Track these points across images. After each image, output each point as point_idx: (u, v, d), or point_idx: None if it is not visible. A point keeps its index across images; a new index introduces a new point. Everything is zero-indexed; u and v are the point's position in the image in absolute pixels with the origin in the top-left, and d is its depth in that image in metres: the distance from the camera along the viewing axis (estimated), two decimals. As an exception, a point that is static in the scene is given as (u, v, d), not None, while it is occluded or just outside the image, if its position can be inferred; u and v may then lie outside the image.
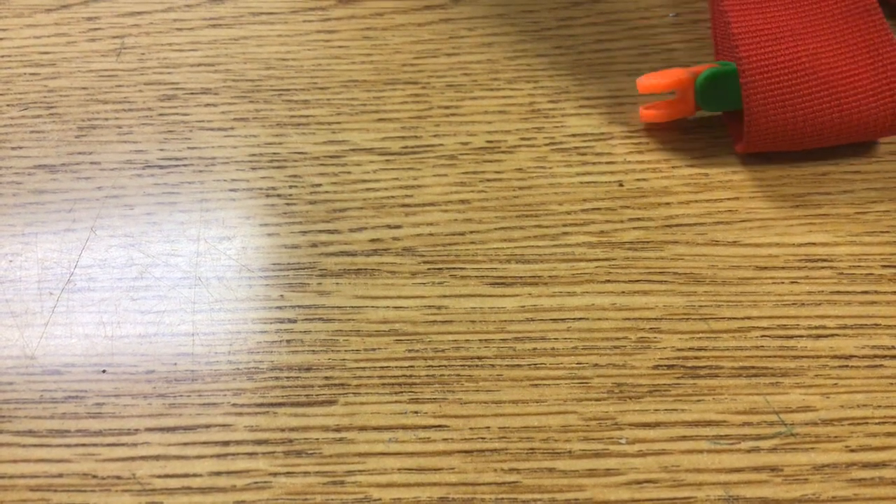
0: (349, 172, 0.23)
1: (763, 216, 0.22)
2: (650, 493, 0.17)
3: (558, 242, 0.21)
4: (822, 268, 0.21)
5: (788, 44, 0.22)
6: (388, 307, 0.20)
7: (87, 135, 0.24)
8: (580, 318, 0.20)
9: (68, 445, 0.18)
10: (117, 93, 0.25)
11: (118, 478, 0.17)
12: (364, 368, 0.19)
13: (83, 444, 0.18)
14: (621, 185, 0.23)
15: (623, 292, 0.20)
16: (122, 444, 0.18)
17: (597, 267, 0.21)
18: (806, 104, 0.21)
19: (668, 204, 0.22)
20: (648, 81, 0.23)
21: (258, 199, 0.22)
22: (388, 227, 0.22)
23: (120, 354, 0.19)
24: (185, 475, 0.18)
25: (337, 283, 0.21)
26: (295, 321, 0.20)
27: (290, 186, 0.23)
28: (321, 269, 0.21)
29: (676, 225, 0.22)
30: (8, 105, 0.25)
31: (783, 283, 0.21)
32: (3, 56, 0.26)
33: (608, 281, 0.21)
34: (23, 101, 0.25)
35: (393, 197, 0.22)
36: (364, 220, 0.22)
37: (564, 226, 0.22)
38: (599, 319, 0.20)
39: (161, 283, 0.21)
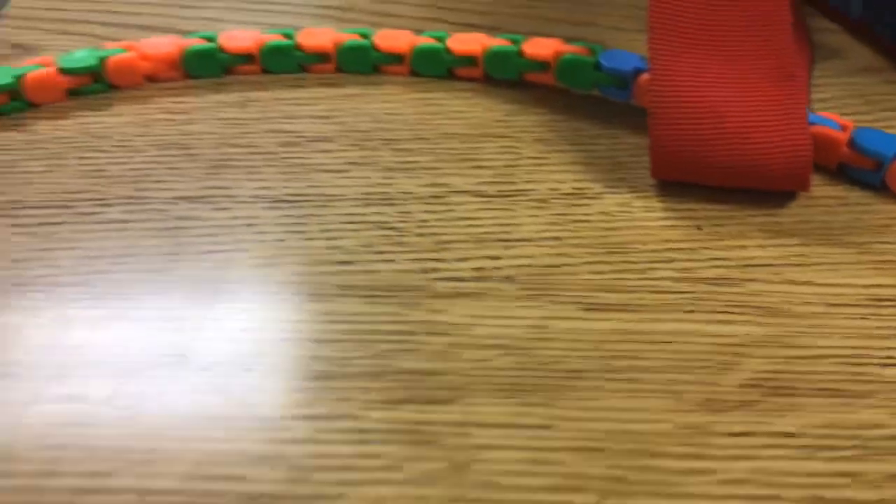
0: (452, 210, 0.26)
1: (832, 260, 0.24)
2: (743, 489, 0.19)
3: (644, 276, 0.24)
4: (889, 307, 0.23)
5: (704, 91, 0.25)
6: (494, 325, 0.22)
7: (220, 173, 0.27)
8: (668, 342, 0.22)
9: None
10: (243, 138, 0.28)
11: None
12: (477, 375, 0.21)
13: (236, 427, 0.20)
14: (700, 229, 0.25)
15: (707, 321, 0.22)
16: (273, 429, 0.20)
17: (681, 298, 0.23)
18: (708, 145, 0.25)
19: (744, 247, 0.24)
20: None
21: (373, 231, 0.25)
22: (490, 258, 0.24)
23: (265, 355, 0.22)
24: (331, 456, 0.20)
25: (447, 304, 0.23)
26: (413, 333, 0.22)
27: (401, 221, 0.25)
28: (433, 292, 0.23)
29: (753, 265, 0.24)
30: (147, 145, 0.28)
31: (853, 318, 0.23)
32: (142, 104, 0.29)
33: (693, 311, 0.23)
34: (161, 142, 0.28)
35: (492, 233, 0.25)
36: (467, 251, 0.24)
37: (649, 262, 0.24)
38: (686, 343, 0.22)
39: (290, 300, 0.23)
